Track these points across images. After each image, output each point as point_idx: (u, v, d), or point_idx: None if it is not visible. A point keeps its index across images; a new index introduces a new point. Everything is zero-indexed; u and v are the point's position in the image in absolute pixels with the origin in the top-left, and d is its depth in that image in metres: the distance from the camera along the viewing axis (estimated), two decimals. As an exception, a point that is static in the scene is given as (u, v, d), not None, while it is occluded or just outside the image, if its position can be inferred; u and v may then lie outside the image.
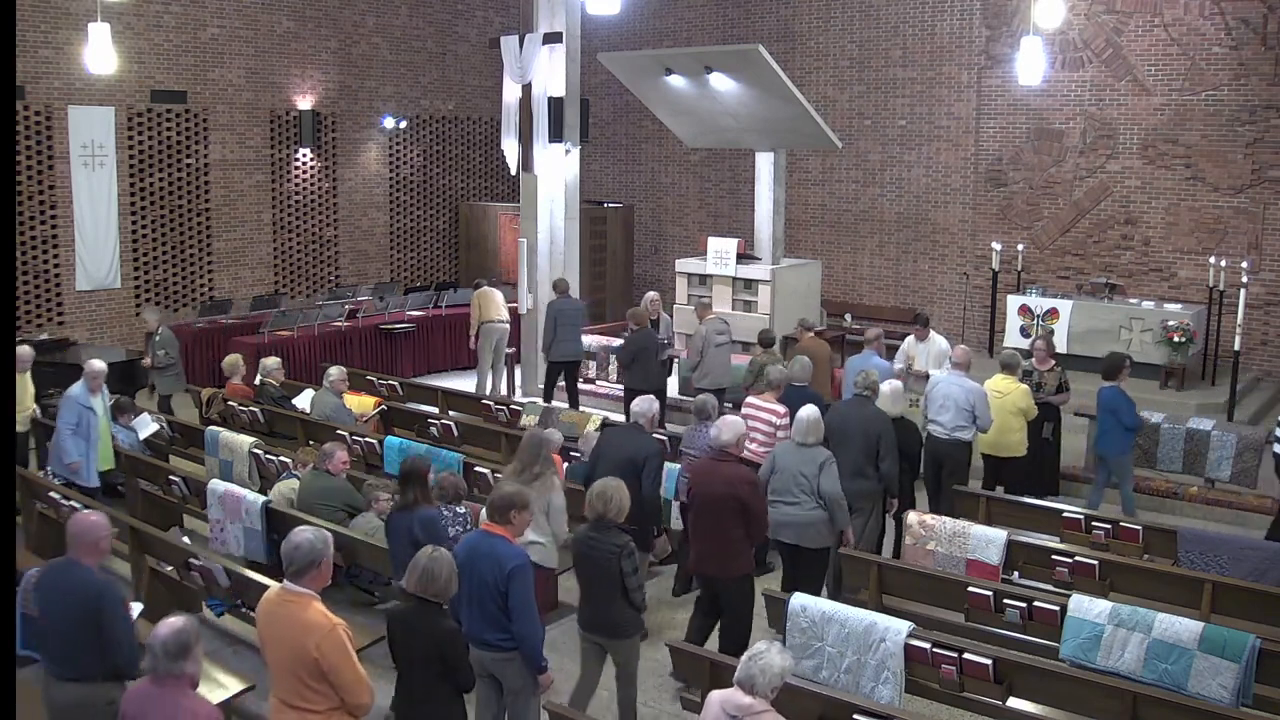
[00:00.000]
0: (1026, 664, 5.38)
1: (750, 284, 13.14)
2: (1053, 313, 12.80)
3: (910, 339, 10.89)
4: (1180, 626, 5.45)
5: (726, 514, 6.04)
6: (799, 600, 5.83)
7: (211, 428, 9.36)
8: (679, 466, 7.69)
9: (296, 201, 16.07)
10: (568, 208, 12.95)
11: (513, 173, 13.45)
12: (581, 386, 12.72)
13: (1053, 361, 9.50)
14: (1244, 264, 12.15)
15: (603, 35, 17.13)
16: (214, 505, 7.56)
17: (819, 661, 5.71)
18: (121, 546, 7.12)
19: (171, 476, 8.31)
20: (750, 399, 8.32)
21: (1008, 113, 14.79)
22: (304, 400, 10.30)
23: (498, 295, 13.12)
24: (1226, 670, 5.27)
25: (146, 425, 9.52)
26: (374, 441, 9.16)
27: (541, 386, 12.23)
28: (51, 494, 7.75)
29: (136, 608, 5.69)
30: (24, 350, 8.93)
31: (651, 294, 11.95)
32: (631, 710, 5.65)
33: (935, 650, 5.42)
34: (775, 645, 4.10)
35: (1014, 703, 5.34)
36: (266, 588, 4.89)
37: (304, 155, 16.05)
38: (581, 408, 11.38)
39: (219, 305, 14.14)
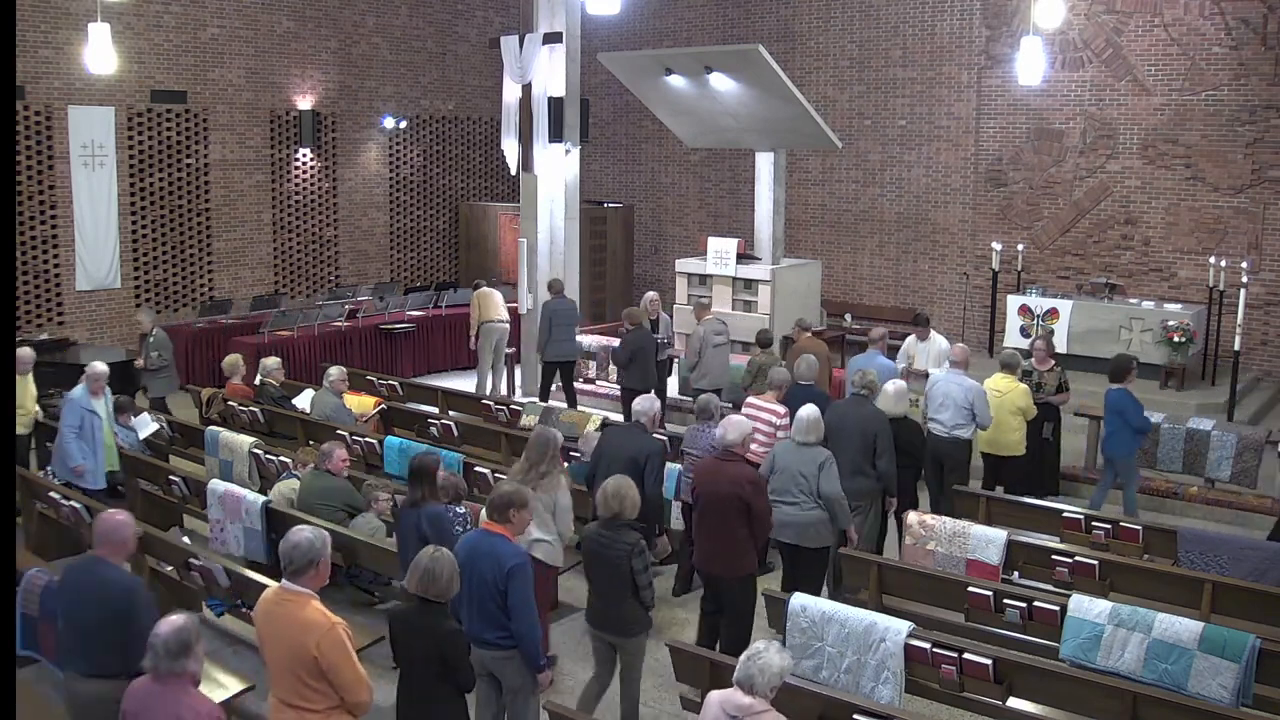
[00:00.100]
0: (1026, 664, 5.38)
1: (750, 284, 13.14)
2: (1053, 313, 12.80)
3: (911, 339, 10.91)
4: (1180, 626, 5.45)
5: (731, 514, 6.06)
6: (799, 600, 5.83)
7: (211, 428, 9.36)
8: (679, 467, 7.70)
9: (296, 201, 16.08)
10: (568, 208, 12.95)
11: (513, 173, 13.45)
12: (582, 386, 12.74)
13: (1052, 361, 9.51)
14: (1244, 264, 12.15)
15: (603, 35, 17.13)
16: (214, 505, 7.56)
17: (819, 661, 5.71)
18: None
19: (171, 476, 8.30)
20: (751, 399, 8.33)
21: (1008, 113, 14.79)
22: (304, 400, 10.30)
23: (497, 295, 13.13)
24: (1226, 670, 5.27)
25: (146, 425, 9.51)
26: (374, 441, 9.16)
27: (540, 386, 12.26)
28: (51, 494, 7.75)
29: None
30: (25, 352, 8.88)
31: (651, 294, 11.97)
32: (634, 708, 5.66)
33: (935, 650, 5.42)
34: (774, 645, 4.10)
35: (1014, 703, 5.34)
36: (266, 588, 4.89)
37: (304, 155, 16.05)
38: (580, 407, 11.39)
39: (219, 305, 14.14)
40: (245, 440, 8.85)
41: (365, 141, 16.88)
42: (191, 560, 6.64)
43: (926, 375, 9.77)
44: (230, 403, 10.27)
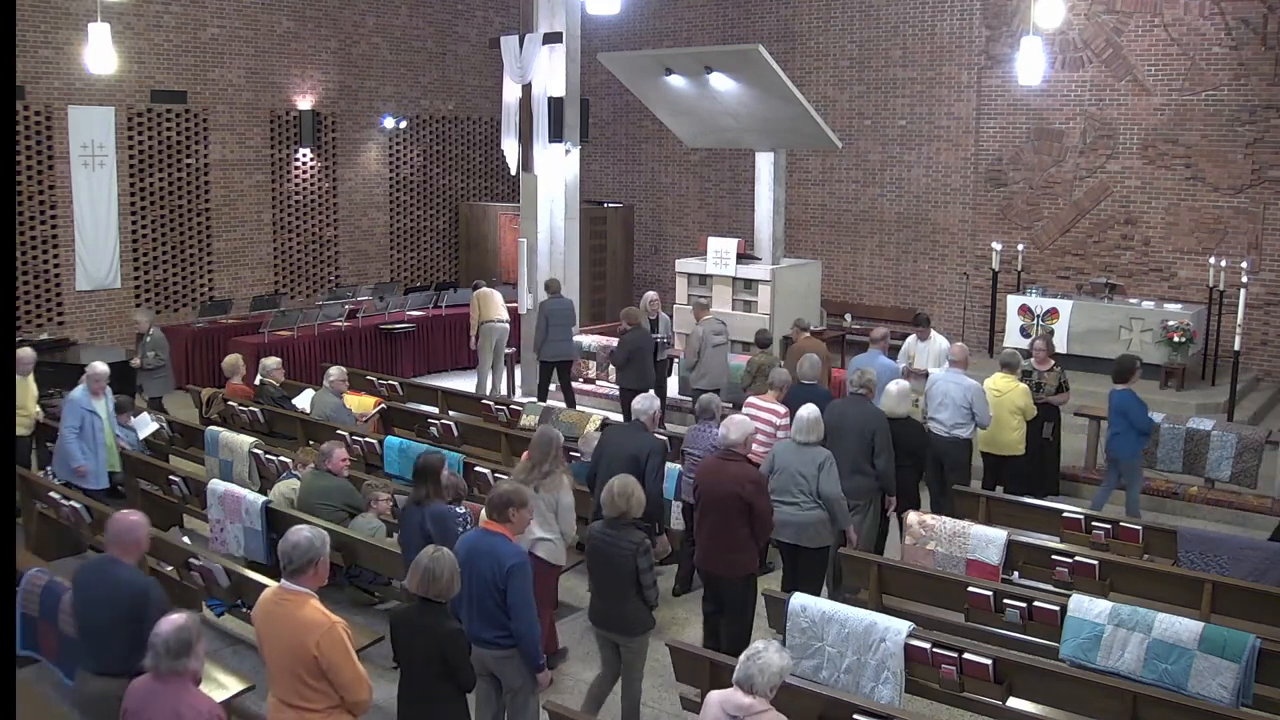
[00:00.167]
0: (1026, 664, 5.38)
1: (750, 284, 13.14)
2: (1053, 313, 12.81)
3: (912, 338, 10.93)
4: (1180, 626, 5.45)
5: (732, 513, 6.07)
6: (799, 600, 5.83)
7: (211, 428, 9.35)
8: (679, 467, 7.70)
9: (296, 201, 16.08)
10: (568, 208, 12.95)
11: (513, 173, 13.45)
12: (581, 386, 12.75)
13: (1052, 361, 9.51)
14: (1244, 264, 12.15)
15: (603, 35, 17.13)
16: (214, 505, 7.56)
17: (819, 661, 5.71)
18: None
19: (171, 476, 8.30)
20: (751, 399, 8.33)
21: (1008, 113, 14.79)
22: (304, 400, 10.31)
23: (497, 295, 13.14)
24: (1226, 670, 5.27)
25: (146, 425, 9.51)
26: (374, 441, 9.16)
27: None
28: (51, 494, 7.75)
29: None
30: (25, 353, 8.86)
31: (650, 294, 11.98)
32: (635, 707, 5.66)
33: (935, 650, 5.42)
34: (773, 644, 4.10)
35: (1014, 703, 5.34)
36: (266, 588, 4.89)
37: (304, 155, 16.05)
38: (580, 407, 11.39)
39: (219, 305, 14.14)
40: (245, 440, 8.85)
41: (365, 141, 16.88)
42: (191, 560, 6.64)
43: (927, 375, 9.77)
44: (230, 403, 10.27)
